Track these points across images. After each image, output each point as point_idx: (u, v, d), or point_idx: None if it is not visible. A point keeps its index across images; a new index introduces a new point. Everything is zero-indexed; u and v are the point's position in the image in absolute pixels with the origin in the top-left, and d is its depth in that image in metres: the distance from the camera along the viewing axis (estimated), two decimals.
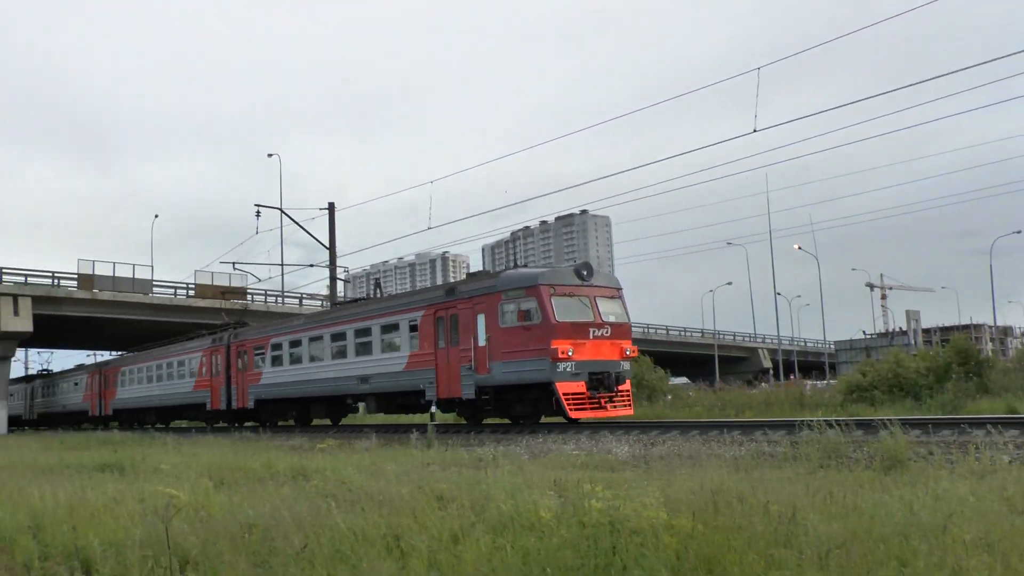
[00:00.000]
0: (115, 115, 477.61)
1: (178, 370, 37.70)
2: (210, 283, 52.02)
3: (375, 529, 5.89)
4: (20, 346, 53.18)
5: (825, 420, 11.50)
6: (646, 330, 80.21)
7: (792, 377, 60.30)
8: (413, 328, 22.92)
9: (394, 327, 23.76)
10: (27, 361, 79.32)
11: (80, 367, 54.55)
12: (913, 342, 61.25)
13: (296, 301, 56.78)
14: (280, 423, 31.27)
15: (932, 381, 24.56)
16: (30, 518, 7.70)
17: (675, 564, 4.82)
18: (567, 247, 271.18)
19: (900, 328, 73.82)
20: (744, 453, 11.29)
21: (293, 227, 37.73)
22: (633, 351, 20.69)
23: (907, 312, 69.85)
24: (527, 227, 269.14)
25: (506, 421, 21.75)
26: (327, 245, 36.79)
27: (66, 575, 5.90)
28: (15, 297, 45.71)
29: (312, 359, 27.68)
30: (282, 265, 43.84)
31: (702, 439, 14.44)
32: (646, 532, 5.15)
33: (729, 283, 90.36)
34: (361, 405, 28.04)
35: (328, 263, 36.87)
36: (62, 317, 48.70)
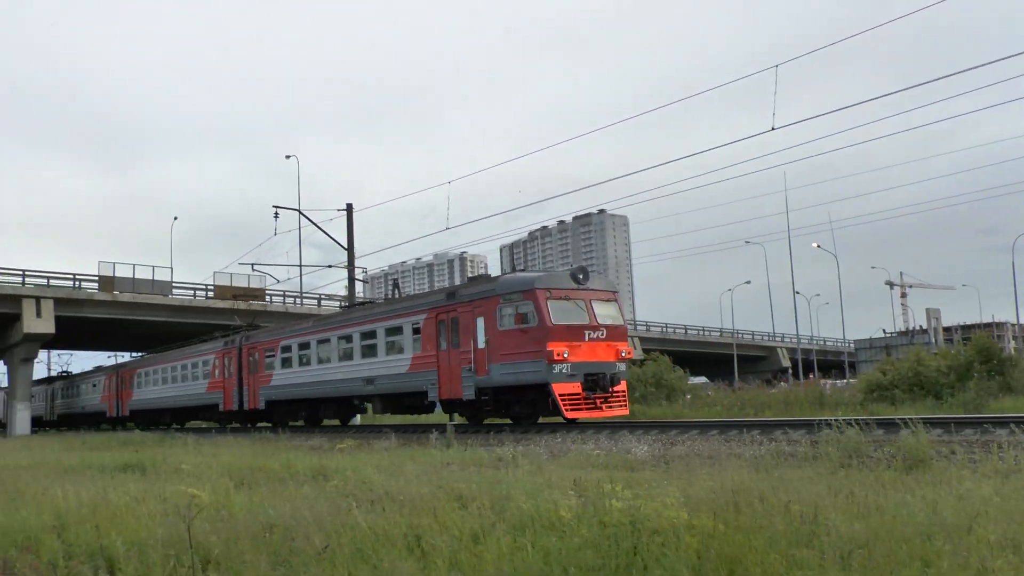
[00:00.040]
0: (135, 118, 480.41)
1: (192, 372, 38.37)
2: (229, 284, 52.22)
3: (396, 529, 5.91)
4: (42, 348, 53.64)
5: (845, 419, 11.44)
6: (664, 329, 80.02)
7: (811, 376, 60.00)
8: (416, 331, 23.45)
9: (398, 330, 24.36)
10: (49, 363, 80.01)
11: (98, 369, 55.18)
12: (934, 340, 60.80)
13: (315, 302, 56.94)
14: (291, 423, 31.69)
15: (953, 380, 24.35)
16: (54, 518, 7.76)
17: (696, 564, 4.81)
18: (585, 247, 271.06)
19: (920, 326, 73.33)
20: (764, 453, 11.23)
21: (311, 228, 37.97)
22: (629, 352, 21.02)
23: (927, 310, 69.34)
24: (545, 227, 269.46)
25: (507, 421, 22.07)
26: (345, 246, 36.88)
27: (90, 574, 5.95)
28: (37, 299, 46.09)
29: (320, 361, 28.30)
30: (300, 266, 43.96)
31: (722, 438, 14.39)
32: (667, 532, 5.14)
33: (747, 282, 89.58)
34: (369, 406, 28.43)
35: (346, 264, 36.96)
36: (83, 319, 49.05)
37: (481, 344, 20.94)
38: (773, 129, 21.35)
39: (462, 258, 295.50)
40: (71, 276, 48.97)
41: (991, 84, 20.29)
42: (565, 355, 19.35)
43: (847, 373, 68.34)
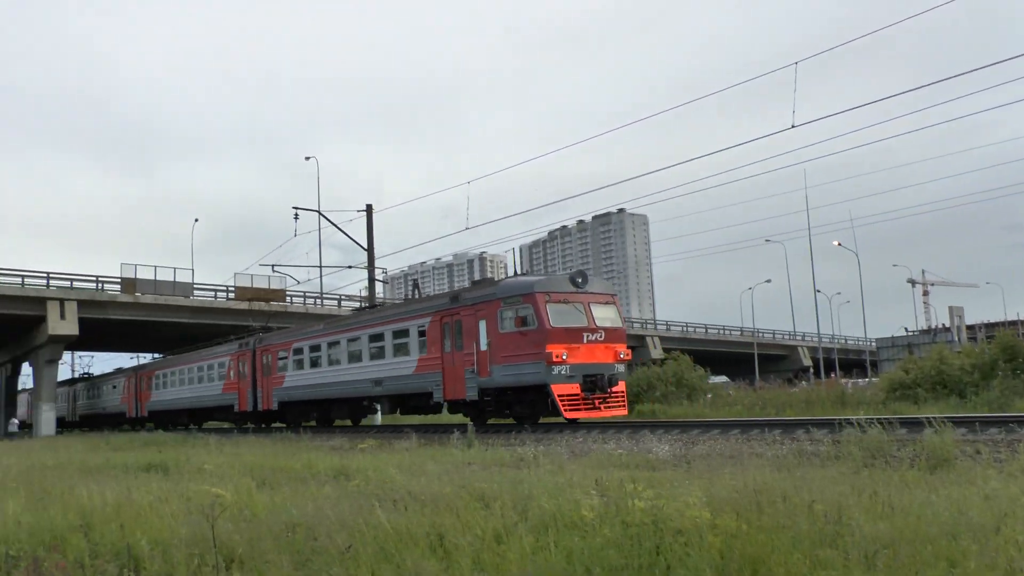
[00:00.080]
0: (156, 122, 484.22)
1: (208, 373, 39.19)
2: (249, 285, 52.49)
3: (418, 528, 5.92)
4: (66, 349, 54.12)
5: (868, 418, 11.36)
6: (684, 329, 79.74)
7: (833, 375, 59.59)
8: (422, 333, 24.04)
9: (404, 332, 24.95)
10: (73, 364, 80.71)
11: (119, 371, 55.96)
12: (957, 339, 60.22)
13: (335, 303, 57.14)
14: (303, 423, 32.17)
15: (977, 378, 24.09)
16: (80, 517, 7.83)
17: (719, 564, 4.80)
18: (604, 246, 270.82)
19: (943, 325, 72.68)
20: (786, 452, 11.17)
21: (331, 229, 38.04)
22: (627, 354, 21.46)
23: (950, 308, 68.70)
24: (564, 226, 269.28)
25: (510, 421, 22.52)
26: (365, 247, 36.99)
27: (115, 572, 5.99)
28: (61, 302, 46.53)
29: (330, 363, 29.00)
30: (320, 267, 44.08)
31: (743, 438, 14.33)
32: (690, 532, 5.13)
33: (768, 280, 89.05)
34: (378, 406, 28.96)
35: (366, 264, 37.07)
36: (106, 320, 49.44)
37: (483, 346, 21.49)
38: (793, 127, 21.25)
39: (481, 258, 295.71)
40: (94, 278, 49.41)
41: (1014, 79, 20.08)
42: (564, 357, 19.83)
43: (868, 372, 67.84)
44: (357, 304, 54.85)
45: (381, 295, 45.90)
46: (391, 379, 25.36)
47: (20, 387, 67.23)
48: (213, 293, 53.04)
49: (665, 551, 4.95)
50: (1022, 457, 8.81)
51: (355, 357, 27.49)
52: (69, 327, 46.34)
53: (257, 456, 15.16)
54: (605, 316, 21.30)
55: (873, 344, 74.76)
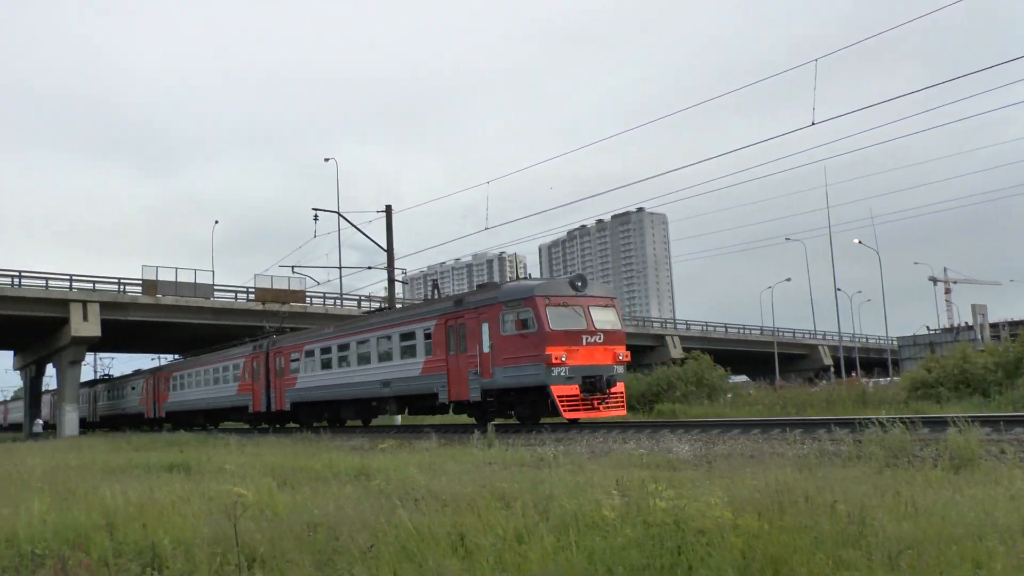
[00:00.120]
0: (177, 125, 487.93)
1: (223, 375, 39.89)
2: (269, 287, 52.74)
3: (440, 528, 5.93)
4: (89, 350, 54.60)
5: (890, 418, 11.28)
6: (704, 328, 79.46)
7: (854, 374, 59.23)
8: (427, 336, 24.64)
9: (411, 335, 25.56)
10: (96, 365, 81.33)
11: (137, 372, 56.59)
12: (980, 337, 59.64)
13: (355, 303, 57.32)
14: (315, 424, 32.70)
15: (1001, 377, 23.88)
16: (103, 516, 7.88)
17: (741, 564, 4.77)
18: (623, 245, 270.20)
19: (966, 323, 71.96)
20: (807, 452, 11.11)
21: (351, 230, 38.27)
22: (626, 356, 21.88)
23: (973, 306, 68.03)
24: (584, 226, 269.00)
25: (515, 421, 22.91)
26: (385, 247, 37.09)
27: (138, 571, 6.04)
28: (84, 304, 46.98)
29: (341, 365, 29.60)
30: (340, 268, 44.27)
31: (764, 437, 14.27)
32: (711, 532, 5.11)
33: (788, 279, 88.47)
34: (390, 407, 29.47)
35: (386, 265, 37.18)
36: (128, 322, 49.83)
37: (486, 348, 22.05)
38: (813, 124, 21.13)
39: (501, 258, 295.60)
40: (116, 280, 49.84)
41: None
42: (563, 359, 20.31)
43: (890, 371, 67.33)
44: (377, 305, 55.02)
45: (401, 295, 46.05)
46: (398, 380, 25.93)
47: (43, 388, 67.90)
48: (233, 294, 53.37)
49: (687, 551, 4.94)
50: None
51: (364, 359, 28.11)
52: (91, 329, 46.77)
53: (277, 456, 15.25)
54: (604, 319, 21.72)
55: (894, 343, 74.21)
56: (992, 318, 69.05)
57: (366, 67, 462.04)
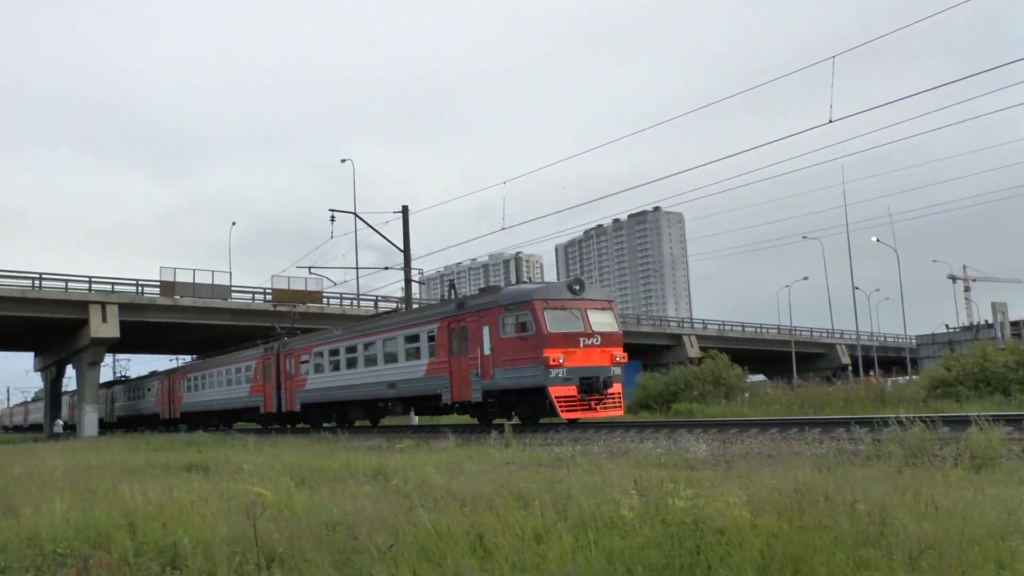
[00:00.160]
0: (193, 128, 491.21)
1: (235, 376, 40.66)
2: (286, 288, 52.95)
3: (458, 527, 5.93)
4: (108, 351, 54.99)
5: (909, 416, 11.20)
6: (721, 327, 79.18)
7: (872, 373, 58.84)
8: (431, 339, 25.29)
9: (415, 338, 26.21)
10: (115, 366, 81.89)
11: (153, 373, 57.22)
12: (1000, 335, 59.18)
13: (371, 304, 57.45)
14: (324, 424, 33.20)
15: (1023, 375, 23.71)
16: (123, 516, 7.94)
17: (760, 564, 4.75)
18: (640, 245, 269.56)
19: (986, 321, 71.39)
20: (826, 451, 11.04)
21: (367, 231, 38.47)
22: (623, 357, 22.36)
23: (993, 304, 67.49)
24: (600, 225, 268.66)
25: (516, 421, 23.30)
26: (401, 248, 37.17)
27: (158, 570, 6.08)
28: (103, 305, 47.30)
29: (348, 366, 30.17)
30: (357, 268, 44.49)
31: (782, 437, 14.21)
32: (730, 532, 5.08)
33: (805, 278, 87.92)
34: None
35: (403, 265, 37.25)
36: (146, 323, 50.13)
37: (487, 351, 22.61)
38: (831, 121, 21.03)
39: (517, 258, 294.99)
40: (134, 282, 50.14)
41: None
42: (560, 360, 20.82)
43: (908, 370, 66.91)
44: (393, 305, 55.13)
45: (418, 296, 46.07)
46: (404, 382, 26.52)
47: (63, 389, 68.43)
48: (251, 295, 53.60)
49: (706, 551, 4.92)
50: None
51: (371, 361, 28.75)
52: (110, 330, 47.10)
53: (295, 456, 15.29)
54: (601, 321, 22.18)
55: (913, 341, 73.74)
56: (1013, 316, 68.44)
57: (383, 68, 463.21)
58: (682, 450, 12.82)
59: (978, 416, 10.69)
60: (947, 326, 73.18)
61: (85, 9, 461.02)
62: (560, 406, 20.58)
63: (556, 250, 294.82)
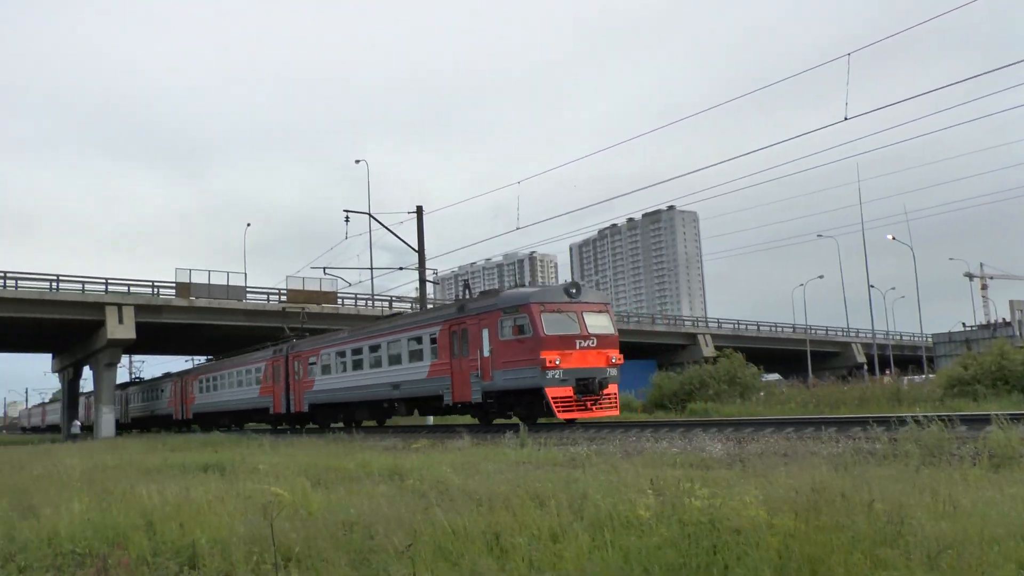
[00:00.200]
0: (209, 130, 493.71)
1: (246, 378, 41.28)
2: (301, 288, 53.11)
3: (475, 527, 5.94)
4: (124, 352, 55.31)
5: (927, 415, 11.13)
6: (736, 326, 78.93)
7: (888, 372, 58.52)
8: (433, 341, 25.82)
9: (418, 340, 26.76)
10: (131, 367, 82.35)
11: (167, 375, 57.66)
12: (1018, 333, 58.81)
13: (386, 304, 57.54)
14: (332, 424, 33.82)
15: None
16: (141, 516, 7.99)
17: (777, 564, 4.73)
18: (654, 244, 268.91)
19: (1003, 319, 70.94)
20: (842, 450, 10.98)
21: (382, 231, 38.45)
22: (619, 359, 22.63)
23: (1011, 302, 67.07)
24: (614, 225, 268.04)
25: (516, 420, 23.52)
26: (416, 248, 37.20)
27: (176, 569, 6.11)
28: (119, 307, 47.57)
29: (354, 368, 30.72)
30: (371, 269, 44.35)
31: (797, 436, 14.13)
32: (747, 531, 5.07)
33: (820, 276, 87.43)
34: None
35: (417, 266, 37.29)
36: (162, 324, 50.38)
37: (486, 353, 23.08)
38: (846, 119, 20.92)
39: (531, 258, 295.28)
40: (150, 283, 50.42)
41: None
42: (557, 362, 21.23)
43: (925, 368, 66.52)
44: (408, 305, 55.22)
45: (432, 296, 46.14)
46: (407, 383, 27.05)
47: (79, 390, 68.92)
48: (265, 296, 53.78)
49: (722, 551, 4.91)
50: None
51: (376, 363, 29.28)
52: (126, 331, 47.36)
53: (311, 456, 15.33)
54: (597, 324, 22.53)
55: (929, 340, 73.34)
56: None
57: (398, 69, 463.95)
58: (697, 449, 12.78)
59: (996, 415, 10.61)
60: (964, 324, 72.81)
61: (104, 13, 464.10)
62: (557, 406, 21.01)
63: (570, 250, 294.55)
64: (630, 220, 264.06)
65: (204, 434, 34.33)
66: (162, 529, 7.34)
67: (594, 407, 21.62)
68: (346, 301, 55.53)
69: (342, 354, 31.71)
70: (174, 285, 50.14)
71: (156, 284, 50.44)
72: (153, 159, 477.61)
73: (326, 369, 32.83)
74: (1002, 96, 22.38)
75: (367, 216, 39.04)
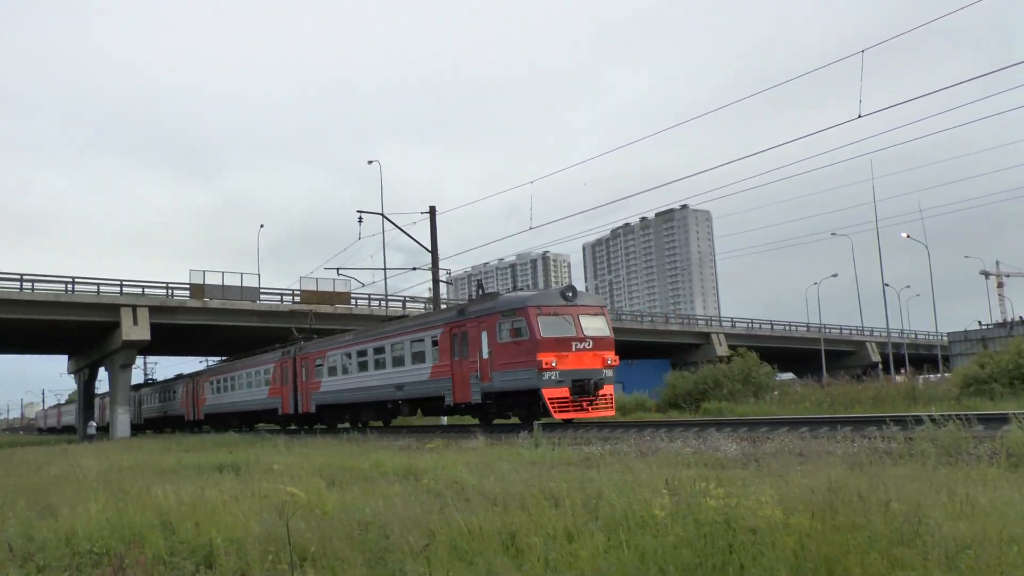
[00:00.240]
0: (223, 132, 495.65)
1: (255, 379, 42.01)
2: (314, 289, 53.24)
3: (490, 527, 5.95)
4: (139, 353, 55.58)
5: (944, 414, 11.06)
6: (750, 325, 78.69)
7: (903, 371, 58.21)
8: (435, 343, 26.39)
9: (420, 342, 27.38)
10: (145, 368, 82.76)
11: (179, 376, 58.11)
12: None
13: (399, 304, 57.60)
14: (339, 425, 34.27)
15: None
16: (157, 516, 8.03)
17: (793, 563, 4.72)
18: (667, 243, 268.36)
19: (1020, 317, 70.49)
20: (857, 449, 10.93)
21: (395, 232, 38.51)
22: (614, 360, 23.09)
23: None
24: (627, 224, 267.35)
25: (515, 421, 24.20)
26: (429, 248, 37.25)
27: (192, 569, 6.14)
28: (134, 308, 47.79)
29: (360, 369, 31.31)
30: (385, 269, 44.45)
31: (812, 435, 14.08)
32: (763, 531, 5.05)
33: (834, 275, 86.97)
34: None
35: (430, 266, 37.34)
36: (176, 325, 50.58)
37: (485, 355, 23.62)
38: (860, 116, 20.83)
39: (544, 258, 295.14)
40: (164, 285, 50.65)
41: None
42: (553, 364, 21.70)
43: (940, 367, 66.12)
44: (421, 306, 55.26)
45: (446, 296, 46.18)
46: (410, 384, 27.70)
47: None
48: (279, 297, 53.91)
49: (738, 550, 4.89)
50: None
51: (380, 364, 29.92)
52: (141, 332, 47.59)
53: (325, 456, 15.36)
54: (593, 326, 23.00)
55: (944, 339, 72.87)
56: None
57: (411, 70, 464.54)
58: (712, 449, 12.74)
59: (1015, 414, 10.54)
60: (980, 323, 72.31)
61: (120, 16, 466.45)
62: (553, 407, 21.40)
63: (583, 249, 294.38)
64: (643, 219, 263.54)
65: (218, 434, 34.54)
66: (178, 529, 7.37)
67: (590, 407, 22.03)
68: (359, 301, 55.62)
69: (347, 356, 32.37)
70: (188, 286, 50.35)
71: (170, 285, 50.68)
72: (167, 161, 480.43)
73: (332, 371, 33.44)
74: (1019, 92, 22.21)
75: (380, 217, 39.15)
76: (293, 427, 38.88)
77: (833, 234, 76.64)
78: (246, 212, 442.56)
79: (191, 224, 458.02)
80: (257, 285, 52.86)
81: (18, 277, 45.52)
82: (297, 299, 53.10)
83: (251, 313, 52.00)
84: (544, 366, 21.53)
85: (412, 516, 6.51)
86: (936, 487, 6.51)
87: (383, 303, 56.78)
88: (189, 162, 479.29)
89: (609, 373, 22.76)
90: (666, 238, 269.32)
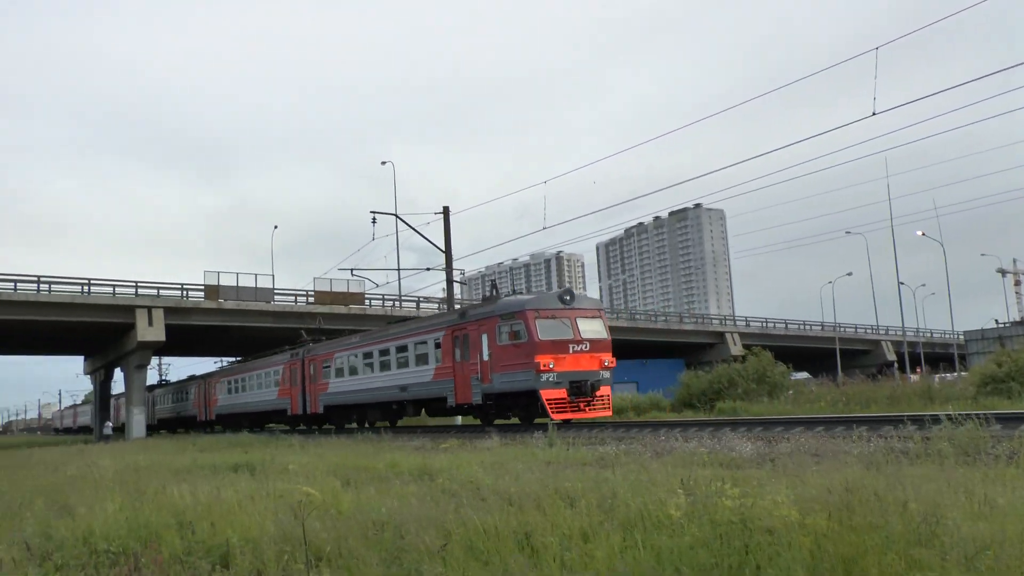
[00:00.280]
0: (236, 133, 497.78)
1: (265, 380, 42.64)
2: (328, 290, 53.39)
3: (505, 526, 5.94)
4: (154, 354, 55.89)
5: (961, 414, 10.99)
6: (764, 324, 78.42)
7: (919, 370, 57.89)
8: (437, 345, 27.00)
9: (424, 344, 28.00)
10: (160, 368, 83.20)
11: (191, 378, 58.62)
12: None
13: (413, 304, 57.69)
14: (346, 425, 34.91)
15: None
16: (172, 515, 8.06)
17: (810, 564, 4.70)
18: (681, 242, 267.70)
19: None
20: (874, 449, 10.87)
21: (408, 232, 38.59)
22: (611, 362, 23.53)
23: None
24: (641, 223, 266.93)
25: (515, 421, 24.79)
26: (443, 248, 37.29)
27: (208, 568, 6.16)
28: (149, 309, 48.07)
29: (366, 371, 31.79)
30: (398, 270, 44.64)
31: (828, 435, 14.02)
32: (779, 531, 5.03)
33: (849, 273, 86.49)
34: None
35: (444, 266, 37.38)
36: (191, 326, 50.82)
37: (485, 356, 24.12)
38: (874, 114, 20.72)
39: (558, 258, 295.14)
40: (179, 286, 50.88)
41: None
42: (551, 366, 22.16)
43: (956, 366, 65.72)
44: (435, 306, 55.32)
45: (459, 296, 46.22)
46: (414, 385, 28.31)
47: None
48: (293, 298, 54.07)
49: (754, 551, 4.87)
50: None
51: (385, 366, 30.61)
52: (156, 333, 47.87)
53: (340, 456, 15.39)
54: (590, 329, 23.47)
55: (961, 337, 72.42)
56: None
57: (424, 70, 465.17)
58: (727, 449, 12.70)
59: None
60: (997, 321, 71.81)
61: (129, 18, 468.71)
62: (551, 408, 21.78)
63: (597, 249, 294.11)
64: (656, 218, 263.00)
65: (233, 434, 34.77)
66: (194, 528, 7.40)
67: (587, 408, 22.45)
68: (373, 302, 55.74)
69: (354, 357, 32.94)
70: (203, 287, 50.57)
71: (185, 287, 50.91)
72: (181, 163, 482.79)
73: (339, 372, 34.01)
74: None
75: (394, 217, 39.22)
76: (303, 427, 39.26)
77: (848, 232, 76.41)
78: (261, 214, 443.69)
79: (204, 226, 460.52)
80: (271, 286, 53.05)
81: (35, 279, 45.88)
82: (311, 300, 53.26)
83: (265, 314, 52.19)
84: (542, 368, 21.97)
85: (428, 516, 6.52)
86: (954, 487, 6.46)
87: (397, 303, 56.88)
88: (203, 164, 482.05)
89: (606, 375, 23.15)
90: (680, 237, 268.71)
